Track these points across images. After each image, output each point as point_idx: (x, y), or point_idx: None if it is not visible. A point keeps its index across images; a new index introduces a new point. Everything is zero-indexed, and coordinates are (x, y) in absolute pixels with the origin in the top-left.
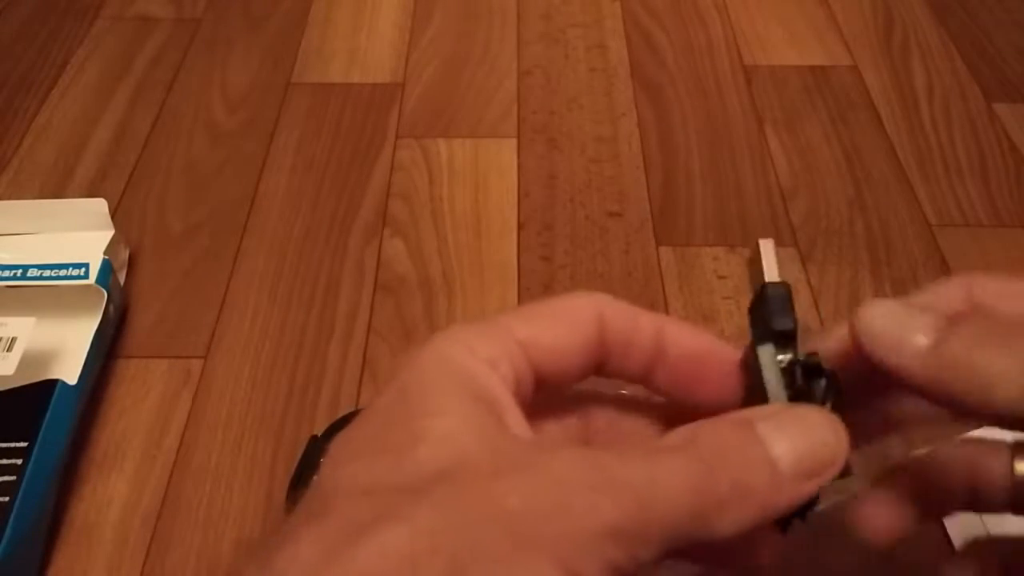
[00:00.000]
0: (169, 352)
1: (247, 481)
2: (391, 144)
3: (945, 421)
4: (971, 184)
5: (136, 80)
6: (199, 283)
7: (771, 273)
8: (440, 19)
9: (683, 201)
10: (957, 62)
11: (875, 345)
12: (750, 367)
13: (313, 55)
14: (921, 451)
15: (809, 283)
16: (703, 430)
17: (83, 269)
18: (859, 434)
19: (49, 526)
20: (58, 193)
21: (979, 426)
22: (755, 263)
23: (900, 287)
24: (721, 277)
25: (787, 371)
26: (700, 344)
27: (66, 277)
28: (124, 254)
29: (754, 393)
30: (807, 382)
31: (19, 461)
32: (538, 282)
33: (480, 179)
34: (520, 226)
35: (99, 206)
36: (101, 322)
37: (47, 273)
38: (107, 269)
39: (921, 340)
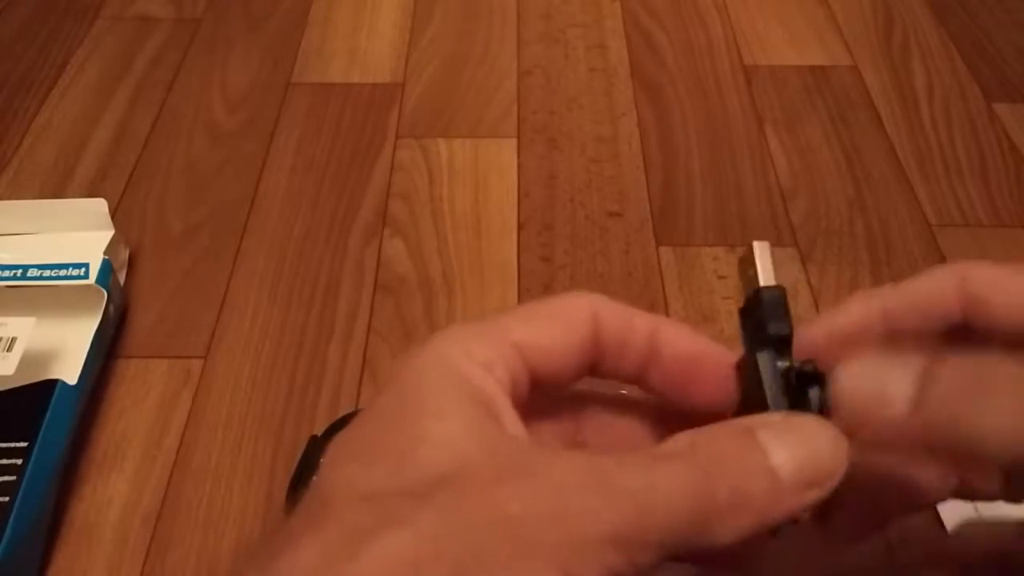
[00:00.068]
0: (169, 352)
1: (247, 481)
2: (391, 144)
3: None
4: (971, 184)
5: (136, 80)
6: (199, 283)
7: (766, 276)
8: (440, 19)
9: (683, 201)
10: (957, 62)
11: (854, 416)
12: (746, 372)
13: (313, 55)
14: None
15: (809, 283)
16: (702, 437)
17: (83, 269)
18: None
19: (49, 526)
20: (58, 193)
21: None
22: (747, 263)
23: None
24: (721, 277)
25: (784, 377)
26: (694, 346)
27: (66, 277)
28: (124, 254)
29: (750, 397)
30: (802, 389)
31: (19, 461)
32: (538, 282)
33: (480, 179)
34: (520, 226)
35: (99, 206)
36: (101, 322)
37: (47, 273)
38: (107, 269)
39: (902, 399)
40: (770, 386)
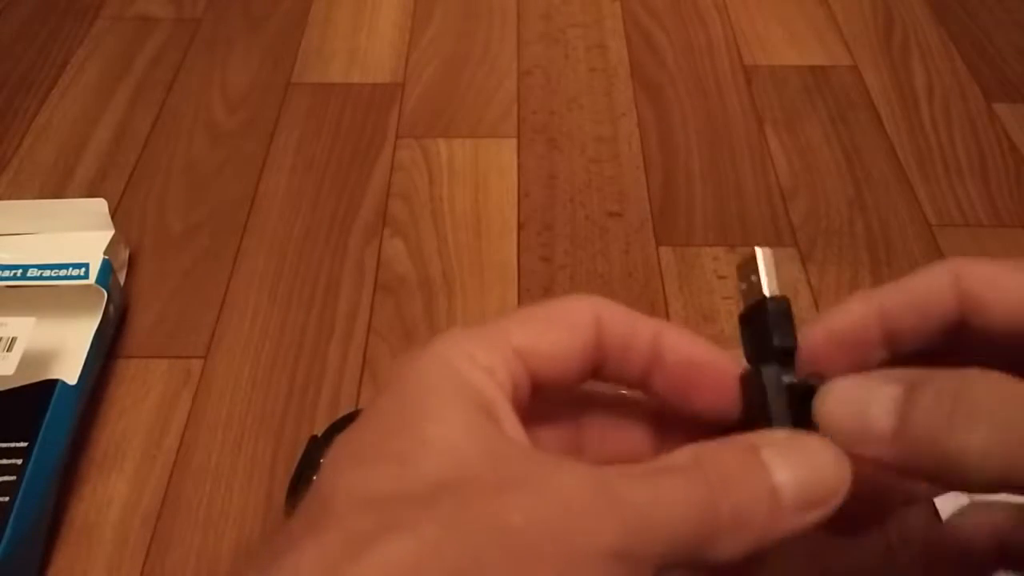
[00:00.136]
0: (169, 352)
1: (247, 481)
2: (391, 144)
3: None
4: (971, 184)
5: (136, 80)
6: (199, 283)
7: (770, 285)
8: (440, 19)
9: (683, 201)
10: (957, 62)
11: (839, 439)
12: (750, 383)
13: (313, 55)
14: None
15: (809, 283)
16: (707, 452)
17: (83, 269)
18: None
19: (49, 526)
20: (58, 193)
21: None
22: (749, 269)
23: None
24: (721, 277)
25: (788, 391)
26: (698, 351)
27: (66, 277)
28: (124, 254)
29: (753, 409)
30: (806, 404)
31: (19, 461)
32: (538, 282)
33: (480, 179)
34: (520, 226)
35: (99, 206)
36: (101, 322)
37: (47, 273)
38: (107, 269)
39: (883, 424)
40: (774, 400)
